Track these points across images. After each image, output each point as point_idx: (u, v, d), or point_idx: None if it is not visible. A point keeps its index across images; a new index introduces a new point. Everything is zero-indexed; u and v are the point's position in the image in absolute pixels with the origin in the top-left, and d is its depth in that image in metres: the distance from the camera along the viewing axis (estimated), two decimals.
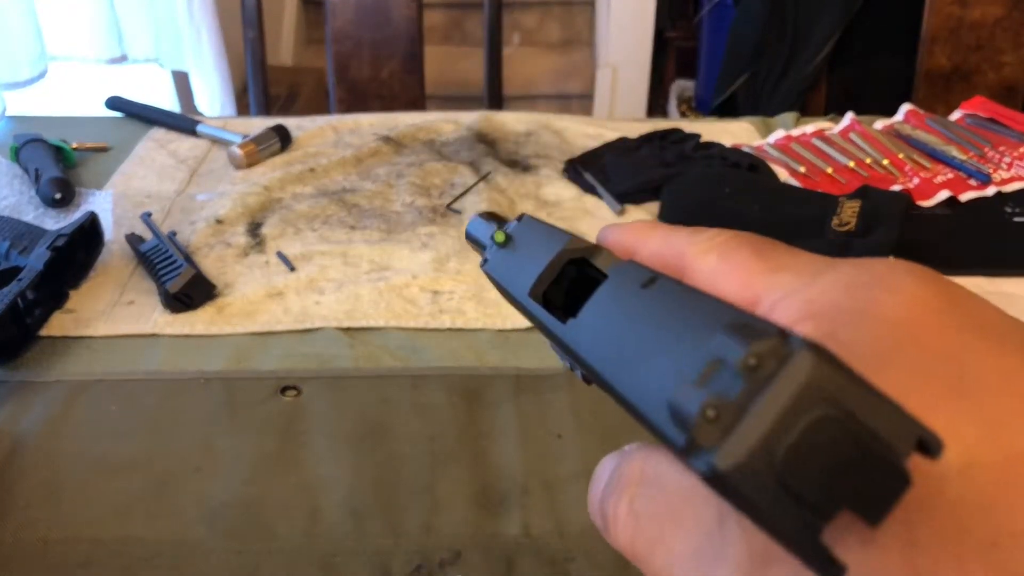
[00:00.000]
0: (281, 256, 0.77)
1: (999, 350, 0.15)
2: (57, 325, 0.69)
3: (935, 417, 0.14)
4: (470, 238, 0.30)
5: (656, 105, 2.53)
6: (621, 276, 0.20)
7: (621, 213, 0.85)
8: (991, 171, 0.88)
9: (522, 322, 0.68)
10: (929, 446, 0.13)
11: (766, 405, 0.12)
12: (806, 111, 1.15)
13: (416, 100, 1.31)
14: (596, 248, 0.23)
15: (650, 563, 0.17)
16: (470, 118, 1.04)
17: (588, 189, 0.89)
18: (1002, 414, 0.14)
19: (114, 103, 1.06)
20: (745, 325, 0.14)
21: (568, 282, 0.24)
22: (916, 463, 0.13)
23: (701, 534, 0.16)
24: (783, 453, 0.12)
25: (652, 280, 0.19)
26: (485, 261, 0.27)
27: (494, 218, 0.29)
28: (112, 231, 0.80)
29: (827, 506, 0.13)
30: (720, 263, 0.20)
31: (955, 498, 0.14)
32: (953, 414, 0.14)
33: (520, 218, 0.27)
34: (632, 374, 0.17)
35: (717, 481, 0.13)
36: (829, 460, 0.12)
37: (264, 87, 1.33)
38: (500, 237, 0.26)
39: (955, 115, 1.02)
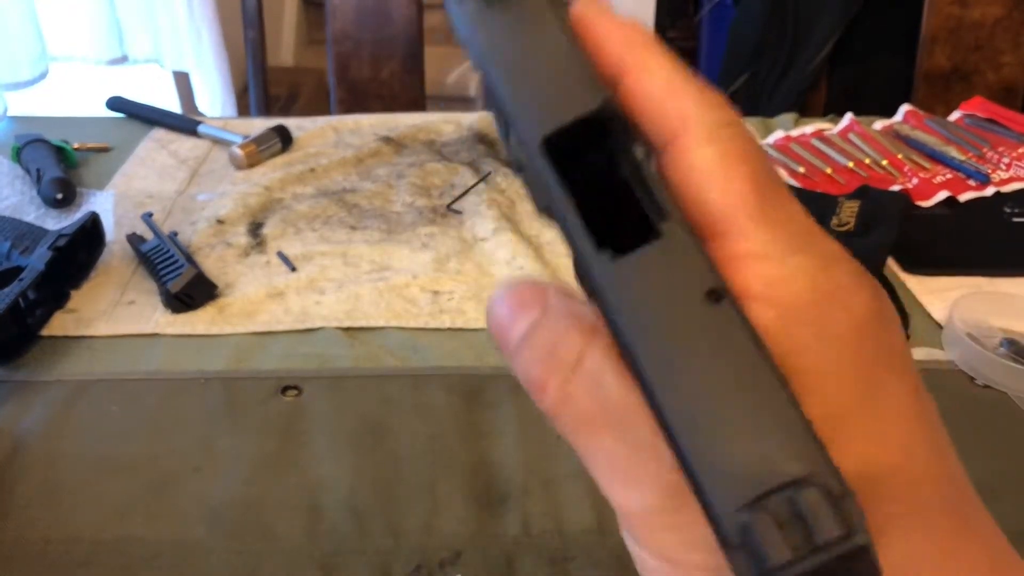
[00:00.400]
0: (282, 256, 0.77)
1: (900, 384, 0.18)
2: (58, 325, 0.69)
3: (851, 423, 0.17)
4: None
5: None
6: (680, 255, 0.17)
7: None
8: (990, 171, 0.88)
9: None
10: None
11: (821, 563, 0.15)
12: (805, 111, 1.15)
13: (416, 100, 1.31)
14: (615, 106, 0.18)
15: (575, 445, 0.19)
16: (470, 118, 1.04)
17: None
18: (893, 448, 0.18)
19: (115, 103, 1.06)
20: (824, 486, 0.16)
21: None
22: (861, 484, 0.17)
23: (631, 447, 0.18)
24: None
25: (718, 296, 0.17)
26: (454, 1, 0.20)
27: None
28: (113, 231, 0.80)
29: None
30: (716, 166, 0.18)
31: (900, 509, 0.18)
32: (863, 419, 0.18)
33: None
34: (689, 420, 0.17)
35: None
36: None
37: (265, 87, 1.34)
38: None
39: (954, 115, 1.02)
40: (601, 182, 0.19)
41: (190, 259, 0.74)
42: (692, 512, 0.17)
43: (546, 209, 0.19)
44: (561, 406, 0.19)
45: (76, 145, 0.96)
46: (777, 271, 0.18)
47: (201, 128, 1.00)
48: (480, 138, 1.00)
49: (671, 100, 0.19)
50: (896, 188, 0.86)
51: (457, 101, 2.36)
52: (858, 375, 0.18)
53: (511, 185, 0.90)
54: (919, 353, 0.66)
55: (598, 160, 0.19)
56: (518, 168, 0.19)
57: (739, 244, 0.18)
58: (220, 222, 0.82)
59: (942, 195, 0.84)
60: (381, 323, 0.69)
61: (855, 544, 0.15)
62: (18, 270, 0.68)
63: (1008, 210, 0.83)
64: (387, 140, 0.99)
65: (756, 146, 0.19)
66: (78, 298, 0.72)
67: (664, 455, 0.17)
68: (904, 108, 1.03)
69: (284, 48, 2.63)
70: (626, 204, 0.19)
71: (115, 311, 0.71)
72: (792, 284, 0.18)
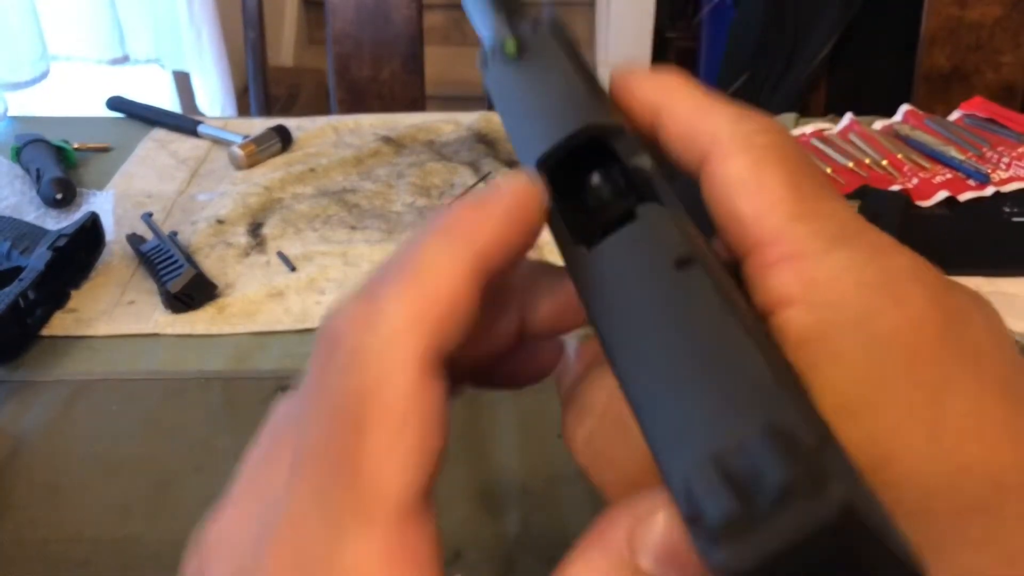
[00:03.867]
0: (282, 256, 0.77)
1: (978, 387, 0.15)
2: (58, 325, 0.69)
3: (910, 462, 0.14)
4: (468, 11, 0.24)
5: None
6: (651, 231, 0.17)
7: None
8: (990, 171, 0.88)
9: None
10: None
11: (785, 525, 0.13)
12: (806, 111, 1.15)
13: (416, 101, 1.31)
14: (620, 128, 0.19)
15: (601, 490, 0.18)
16: (470, 119, 1.04)
17: None
18: (967, 460, 0.15)
19: (115, 103, 1.06)
20: (788, 431, 0.14)
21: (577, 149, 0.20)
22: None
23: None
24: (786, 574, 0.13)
25: (687, 261, 0.16)
26: (484, 64, 0.22)
27: (506, 5, 0.22)
28: (113, 231, 0.80)
29: None
30: (749, 174, 0.17)
31: (937, 543, 0.15)
32: (926, 461, 0.15)
33: (539, 23, 0.21)
34: (649, 389, 0.16)
35: (717, 572, 0.13)
36: None
37: (265, 87, 1.34)
38: (511, 47, 0.21)
39: (954, 115, 1.02)
40: (609, 197, 0.20)
41: (190, 259, 0.74)
42: None
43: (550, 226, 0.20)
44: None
45: (76, 145, 0.96)
46: (817, 269, 0.16)
47: (201, 128, 1.00)
48: (480, 138, 1.00)
49: (700, 121, 0.18)
50: (896, 188, 0.86)
51: (458, 100, 2.36)
52: (914, 381, 0.15)
53: None
54: None
55: (614, 178, 0.20)
56: None
57: (775, 248, 0.17)
58: (220, 222, 0.82)
59: (942, 195, 0.84)
60: None
61: (829, 500, 0.13)
62: (18, 270, 0.68)
63: (1008, 210, 0.83)
64: (387, 140, 0.99)
65: (795, 148, 0.18)
66: (78, 298, 0.72)
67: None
68: (904, 108, 1.03)
69: (284, 48, 2.63)
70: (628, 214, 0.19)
71: (115, 311, 0.71)
72: (834, 282, 0.16)
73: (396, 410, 0.15)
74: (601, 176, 0.20)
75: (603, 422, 0.18)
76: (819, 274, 0.16)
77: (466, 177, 0.90)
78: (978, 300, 0.17)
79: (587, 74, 0.20)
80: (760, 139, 0.18)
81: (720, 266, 0.17)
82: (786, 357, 0.16)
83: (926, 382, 0.15)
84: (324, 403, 0.16)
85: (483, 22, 0.23)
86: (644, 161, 0.19)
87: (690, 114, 0.19)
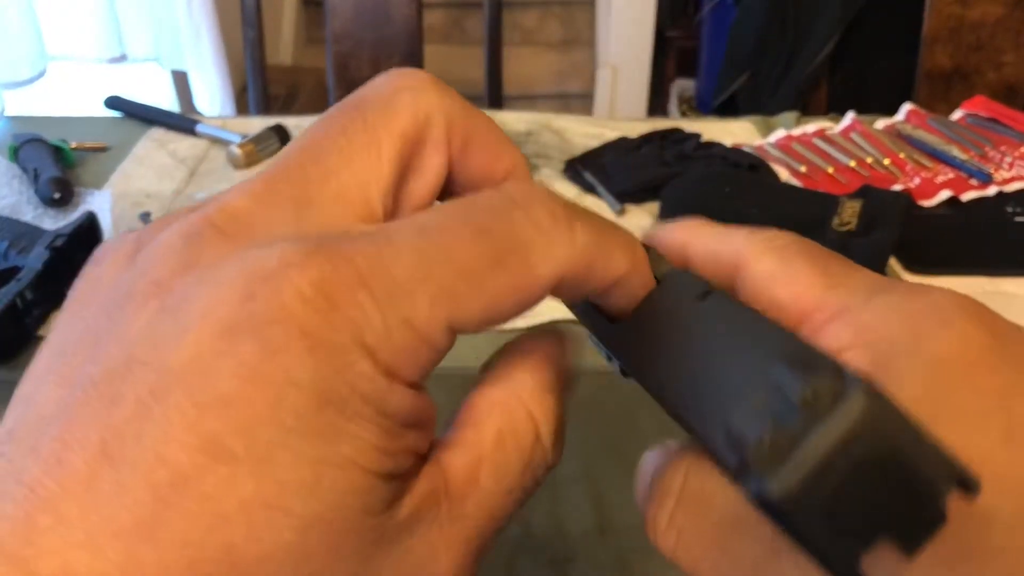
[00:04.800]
0: None
1: None
2: None
3: (990, 466, 0.14)
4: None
5: (656, 105, 2.53)
6: (675, 284, 0.19)
7: (621, 213, 0.85)
8: (992, 171, 0.88)
9: (521, 322, 0.68)
10: (969, 485, 0.14)
11: (820, 438, 0.13)
12: (807, 110, 1.15)
13: None
14: (646, 249, 0.21)
15: (694, 574, 0.18)
16: None
17: (588, 189, 0.89)
18: None
19: (113, 103, 1.06)
20: (805, 358, 0.15)
21: None
22: (966, 509, 0.14)
23: (750, 565, 0.16)
24: (832, 485, 0.13)
25: (707, 293, 0.18)
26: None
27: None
28: (111, 231, 0.80)
29: (867, 535, 0.14)
30: (778, 267, 0.19)
31: (1001, 545, 0.14)
32: (1006, 465, 0.15)
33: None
34: (688, 390, 0.17)
35: (768, 505, 0.14)
36: (873, 494, 0.14)
37: (264, 87, 1.33)
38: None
39: (956, 115, 1.02)
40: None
41: None
42: None
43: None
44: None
45: (74, 144, 0.95)
46: (863, 316, 0.17)
47: (199, 127, 1.00)
48: None
49: (722, 243, 0.20)
50: (898, 187, 0.86)
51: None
52: (978, 390, 0.15)
53: None
54: None
55: None
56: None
57: (820, 315, 0.18)
58: None
59: (944, 195, 0.84)
60: None
61: (856, 395, 0.13)
62: (15, 270, 0.67)
63: (1010, 210, 0.83)
64: None
65: (812, 245, 0.19)
66: None
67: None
68: (906, 107, 1.03)
69: (283, 47, 2.63)
70: None
71: None
72: (882, 320, 0.17)
73: None
74: None
75: (683, 498, 0.18)
76: (866, 317, 0.17)
77: None
78: (1013, 325, 0.17)
79: None
80: (779, 241, 0.19)
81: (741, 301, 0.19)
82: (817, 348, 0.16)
83: (990, 389, 0.15)
84: None
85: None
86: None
87: (713, 240, 0.21)
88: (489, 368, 0.19)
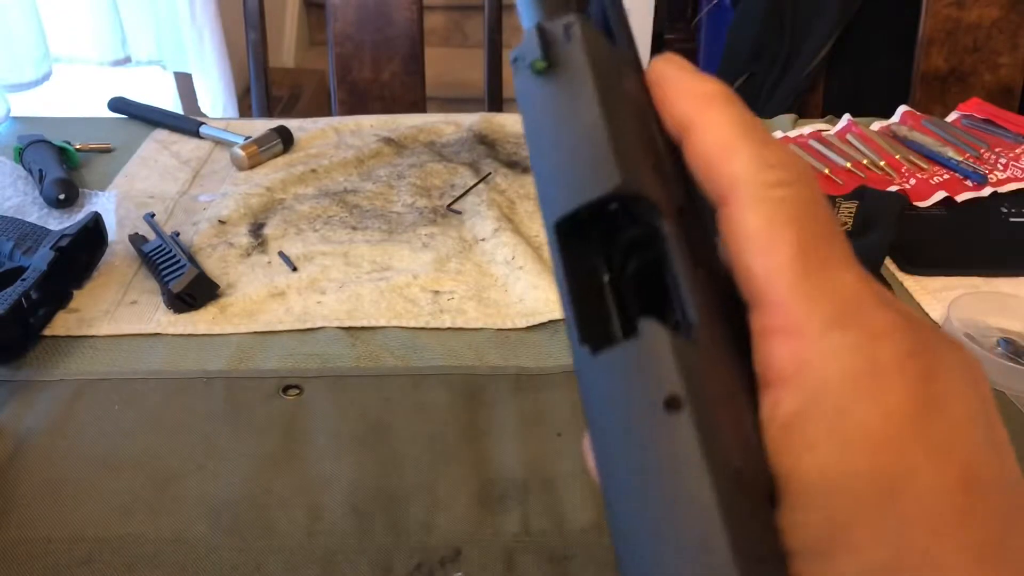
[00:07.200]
0: (283, 256, 0.78)
1: (937, 478, 0.16)
2: (61, 325, 0.69)
3: (854, 546, 0.16)
4: (519, 14, 0.22)
5: None
6: (648, 358, 0.17)
7: None
8: (987, 172, 0.89)
9: (522, 322, 0.69)
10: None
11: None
12: (804, 113, 1.15)
13: (417, 102, 1.32)
14: (647, 194, 0.18)
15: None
16: (470, 119, 1.04)
17: None
18: (918, 546, 0.16)
19: (117, 104, 1.07)
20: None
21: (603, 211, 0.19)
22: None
23: None
24: None
25: (677, 404, 0.16)
26: (514, 62, 0.21)
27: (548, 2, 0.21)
28: (115, 231, 0.80)
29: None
30: (762, 231, 0.17)
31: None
32: (871, 547, 0.16)
33: (571, 28, 0.20)
34: (623, 519, 0.17)
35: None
36: None
37: (266, 89, 1.34)
38: (539, 65, 0.20)
39: (952, 116, 1.03)
40: (625, 260, 0.20)
41: (192, 259, 0.74)
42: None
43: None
44: None
45: (78, 146, 0.96)
46: (810, 351, 0.16)
47: (203, 129, 1.01)
48: (480, 139, 1.00)
49: (723, 161, 0.18)
50: (894, 188, 0.87)
51: (458, 102, 2.37)
52: (873, 474, 0.16)
53: (511, 185, 0.90)
54: None
55: (633, 236, 0.20)
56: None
57: (776, 318, 0.17)
58: (222, 222, 0.83)
59: (939, 195, 0.85)
60: (382, 323, 0.70)
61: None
62: (21, 270, 0.68)
63: (1005, 210, 0.84)
64: (388, 141, 0.99)
65: (810, 207, 0.18)
66: (80, 298, 0.73)
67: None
68: (902, 109, 1.03)
69: (285, 49, 2.63)
70: (646, 285, 0.19)
71: (117, 311, 0.71)
72: (824, 367, 0.16)
73: None
74: (619, 234, 0.20)
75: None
76: (812, 356, 0.16)
77: (466, 178, 0.91)
78: (968, 375, 0.17)
79: (616, 106, 0.19)
80: (778, 192, 0.18)
81: (710, 407, 0.17)
82: (752, 524, 0.16)
83: (885, 474, 0.16)
84: None
85: (526, 11, 0.21)
86: (664, 227, 0.19)
87: (717, 149, 0.18)
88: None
